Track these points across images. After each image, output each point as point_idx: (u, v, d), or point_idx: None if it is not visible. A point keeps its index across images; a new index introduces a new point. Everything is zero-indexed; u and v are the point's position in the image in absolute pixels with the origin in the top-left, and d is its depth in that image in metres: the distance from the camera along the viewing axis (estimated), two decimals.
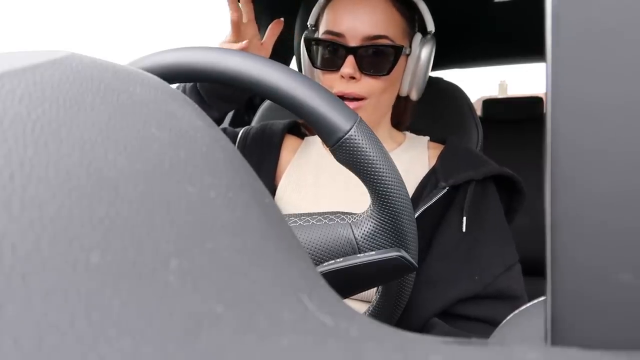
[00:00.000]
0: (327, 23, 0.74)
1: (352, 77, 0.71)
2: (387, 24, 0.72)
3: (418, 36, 0.76)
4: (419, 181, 0.75)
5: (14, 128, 0.13)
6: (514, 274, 0.69)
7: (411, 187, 0.76)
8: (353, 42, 0.71)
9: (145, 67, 0.42)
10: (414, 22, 0.77)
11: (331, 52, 0.72)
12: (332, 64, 0.73)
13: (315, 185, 0.79)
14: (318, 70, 0.76)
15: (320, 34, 0.76)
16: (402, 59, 0.74)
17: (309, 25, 0.79)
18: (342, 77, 0.71)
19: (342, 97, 0.72)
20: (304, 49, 0.77)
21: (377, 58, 0.71)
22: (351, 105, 0.72)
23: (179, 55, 0.42)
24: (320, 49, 0.74)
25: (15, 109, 0.14)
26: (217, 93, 0.75)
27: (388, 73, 0.72)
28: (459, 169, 0.72)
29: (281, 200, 0.80)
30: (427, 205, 0.69)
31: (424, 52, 0.75)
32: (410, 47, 0.76)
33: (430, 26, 0.77)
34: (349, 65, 0.70)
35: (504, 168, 0.75)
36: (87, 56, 0.19)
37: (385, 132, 0.82)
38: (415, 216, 0.70)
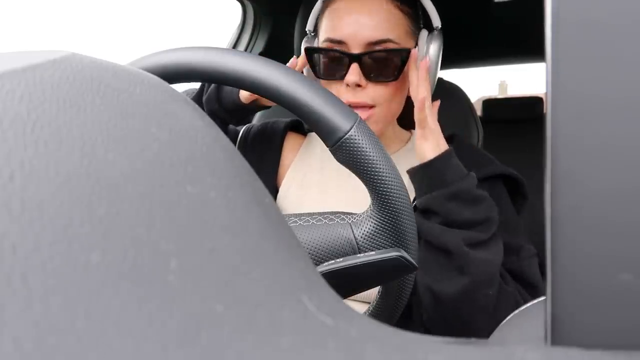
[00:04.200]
0: (326, 30, 0.71)
1: (358, 85, 0.68)
2: (389, 25, 0.68)
3: (424, 33, 0.72)
4: None
5: (14, 128, 0.13)
6: (525, 258, 0.69)
7: None
8: (356, 49, 0.68)
9: (145, 67, 0.42)
10: (418, 20, 0.74)
11: (334, 61, 0.69)
12: (335, 73, 0.70)
13: (321, 182, 0.78)
14: (322, 80, 0.72)
15: (320, 41, 0.73)
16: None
17: (307, 32, 0.76)
18: (348, 85, 0.68)
19: (350, 107, 0.70)
20: (305, 59, 0.74)
21: (382, 64, 0.68)
22: (361, 114, 0.68)
23: (179, 55, 0.42)
24: (322, 58, 0.71)
25: (15, 109, 0.14)
26: (220, 115, 0.74)
27: (396, 78, 0.69)
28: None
29: (285, 198, 0.79)
30: None
31: (432, 49, 0.71)
32: (417, 46, 0.72)
33: (437, 22, 0.72)
34: (354, 73, 0.67)
35: (509, 168, 0.74)
36: (87, 56, 0.19)
37: (391, 132, 0.80)
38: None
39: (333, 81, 0.71)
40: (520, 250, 0.70)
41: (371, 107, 0.70)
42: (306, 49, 0.72)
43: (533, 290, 0.68)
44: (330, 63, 0.70)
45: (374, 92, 0.69)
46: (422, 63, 0.68)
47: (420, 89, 0.67)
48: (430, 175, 0.66)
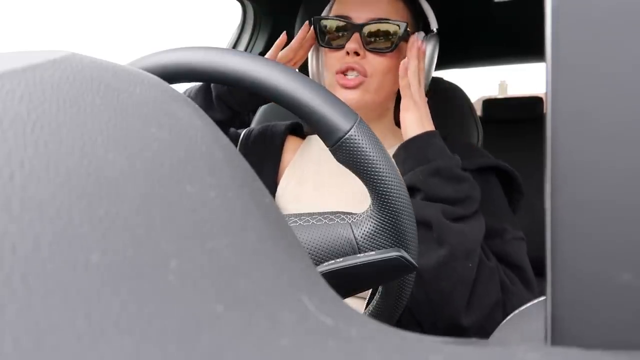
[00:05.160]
0: (334, 11, 0.77)
1: (357, 54, 0.73)
2: (391, 10, 0.75)
3: (421, 34, 0.77)
4: None
5: (14, 128, 0.13)
6: (509, 240, 0.71)
7: None
8: (358, 21, 0.74)
9: (145, 67, 0.42)
10: (418, 18, 0.80)
11: (338, 30, 0.76)
12: (338, 41, 0.75)
13: (318, 179, 0.80)
14: (324, 50, 0.78)
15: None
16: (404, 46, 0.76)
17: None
18: (348, 53, 0.74)
19: (347, 70, 0.74)
20: (312, 29, 0.80)
21: (381, 34, 0.74)
22: (354, 79, 0.73)
23: (179, 55, 0.42)
24: (327, 27, 0.77)
25: (15, 109, 0.14)
26: (225, 99, 0.76)
27: (392, 50, 0.74)
28: None
29: (283, 196, 0.82)
30: None
31: (428, 48, 0.77)
32: None
33: (434, 24, 0.78)
34: (354, 41, 0.73)
35: (500, 161, 0.77)
36: (87, 56, 0.19)
37: (387, 127, 0.83)
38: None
39: (335, 51, 0.76)
40: (504, 232, 0.71)
41: (366, 75, 0.74)
42: (313, 18, 0.79)
43: (519, 272, 0.70)
44: (334, 32, 0.76)
45: (371, 62, 0.75)
46: (417, 42, 0.73)
47: (409, 60, 0.72)
48: (413, 151, 0.69)
